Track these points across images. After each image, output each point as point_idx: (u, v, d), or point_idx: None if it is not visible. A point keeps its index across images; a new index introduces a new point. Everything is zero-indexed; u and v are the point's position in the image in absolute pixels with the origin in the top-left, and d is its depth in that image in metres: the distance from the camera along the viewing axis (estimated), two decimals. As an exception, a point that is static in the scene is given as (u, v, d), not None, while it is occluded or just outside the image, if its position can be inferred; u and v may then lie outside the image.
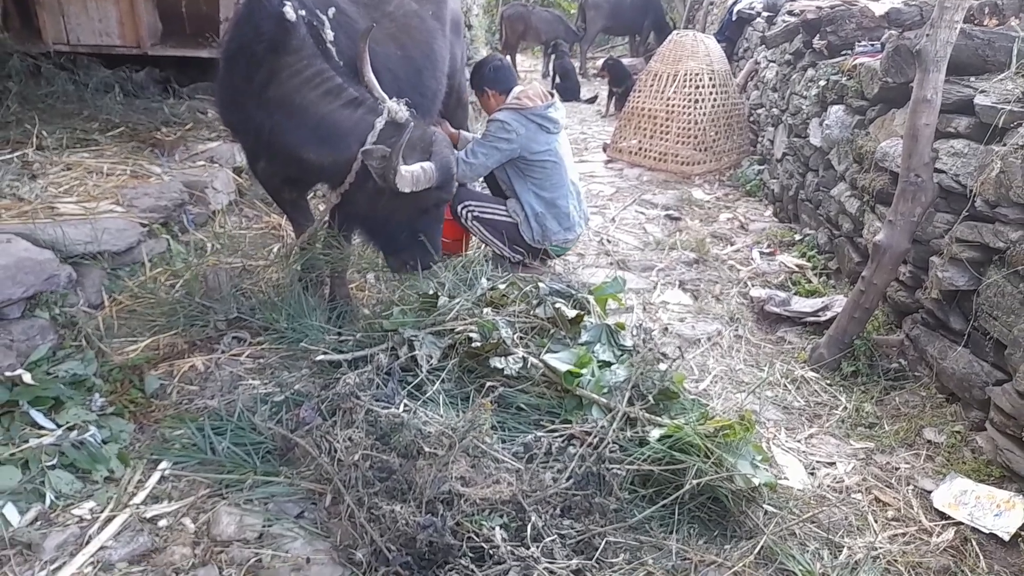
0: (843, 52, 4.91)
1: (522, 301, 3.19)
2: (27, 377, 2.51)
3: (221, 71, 3.18)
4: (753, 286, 4.22)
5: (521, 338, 2.95)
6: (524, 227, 4.05)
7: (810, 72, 5.34)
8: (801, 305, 3.80)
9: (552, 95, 3.99)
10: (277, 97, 2.91)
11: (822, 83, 4.86)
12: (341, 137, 2.87)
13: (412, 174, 2.79)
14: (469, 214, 4.03)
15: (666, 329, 3.72)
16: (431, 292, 3.13)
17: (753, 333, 3.76)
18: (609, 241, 4.95)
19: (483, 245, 4.24)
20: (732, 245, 4.97)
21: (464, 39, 4.49)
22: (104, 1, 5.30)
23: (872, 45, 4.62)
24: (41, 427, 2.42)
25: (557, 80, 11.70)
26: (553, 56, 11.99)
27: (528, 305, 3.10)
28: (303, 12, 2.93)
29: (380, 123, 2.86)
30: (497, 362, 2.70)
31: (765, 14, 7.73)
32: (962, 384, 2.90)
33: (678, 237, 5.01)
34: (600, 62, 10.78)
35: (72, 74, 5.35)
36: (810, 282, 4.26)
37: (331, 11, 3.09)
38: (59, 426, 2.43)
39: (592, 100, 11.42)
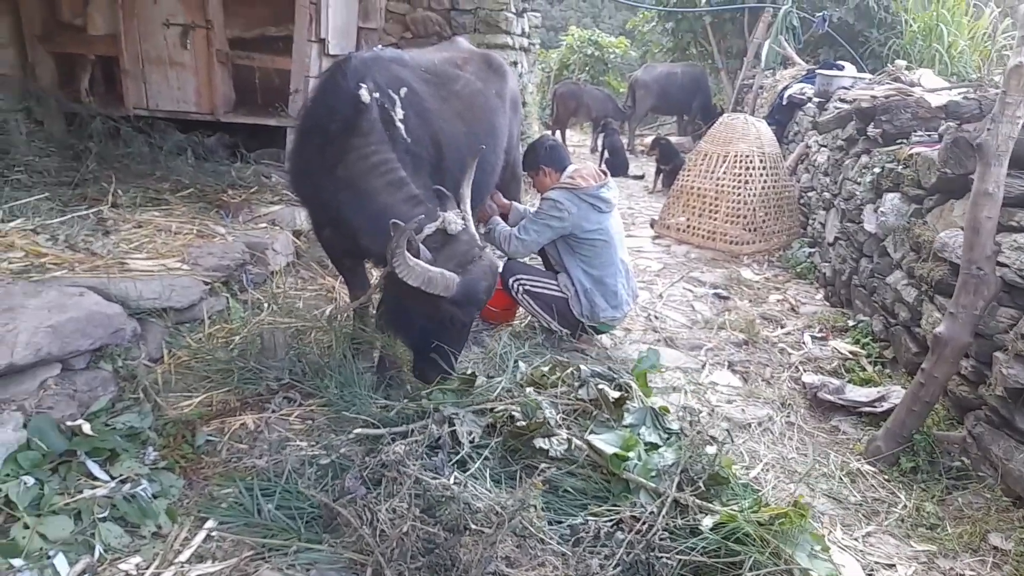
0: (898, 141, 4.92)
1: (564, 383, 3.17)
2: (86, 428, 2.58)
3: (295, 143, 3.35)
4: (805, 371, 4.13)
5: (564, 419, 2.93)
6: (573, 302, 4.07)
7: (864, 159, 5.35)
8: (856, 394, 3.70)
9: (605, 175, 4.07)
10: (345, 177, 3.03)
11: (877, 170, 4.85)
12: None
13: (421, 270, 2.73)
14: (520, 287, 4.07)
15: (714, 411, 3.65)
16: (469, 372, 3.14)
17: (806, 420, 3.66)
18: (656, 317, 4.92)
19: (529, 316, 4.27)
20: (782, 328, 4.89)
21: (520, 115, 4.65)
22: (184, 71, 5.66)
23: (928, 135, 4.63)
24: (96, 478, 2.46)
25: (606, 156, 11.91)
26: (603, 134, 12.24)
27: (570, 387, 3.09)
28: (377, 94, 3.08)
29: (431, 228, 2.91)
30: (541, 443, 2.67)
31: (816, 100, 7.82)
32: (1031, 488, 2.76)
33: (727, 317, 4.96)
34: (649, 140, 10.97)
35: (148, 137, 5.67)
36: (864, 370, 4.15)
37: (403, 91, 3.25)
38: (113, 478, 2.48)
39: (640, 177, 11.57)
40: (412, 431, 2.89)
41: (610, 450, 2.58)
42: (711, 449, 2.59)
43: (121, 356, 3.03)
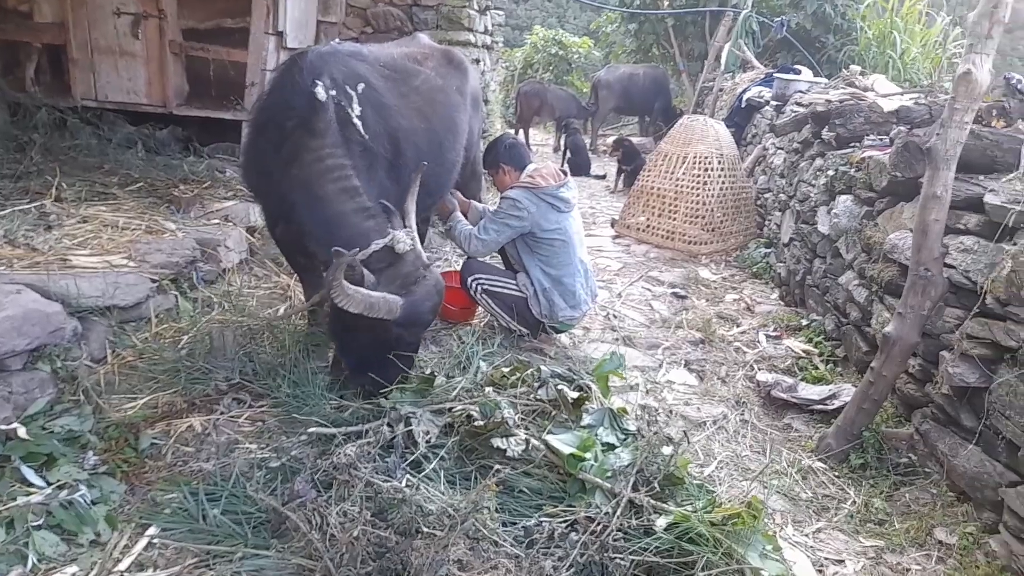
0: (851, 144, 5.02)
1: (524, 383, 3.16)
2: (22, 431, 2.47)
3: (248, 137, 3.26)
4: (759, 370, 4.18)
5: (523, 419, 2.91)
6: (532, 302, 4.06)
7: (818, 162, 5.45)
8: (808, 392, 3.76)
9: (565, 174, 4.06)
10: (299, 177, 2.95)
11: (831, 173, 4.94)
12: (341, 241, 2.82)
13: (361, 297, 2.67)
14: (479, 287, 4.04)
15: (671, 411, 3.67)
16: (428, 373, 3.11)
17: (759, 418, 3.70)
18: (615, 316, 4.94)
19: (488, 316, 4.24)
20: (738, 327, 4.95)
21: (481, 113, 4.62)
22: (135, 62, 5.49)
23: (880, 139, 4.73)
24: (31, 484, 2.36)
25: (568, 155, 11.94)
26: (565, 133, 12.27)
27: (530, 387, 3.07)
28: (333, 91, 3.01)
29: (377, 245, 2.84)
30: (499, 442, 2.65)
31: (774, 103, 7.95)
32: (974, 483, 2.83)
33: (684, 316, 5.00)
34: (612, 140, 11.03)
35: (97, 129, 5.48)
36: (817, 368, 4.22)
37: (360, 86, 3.18)
38: (49, 484, 2.38)
39: (602, 177, 11.62)
40: (366, 432, 2.86)
41: (567, 450, 2.56)
42: (667, 449, 2.59)
43: (60, 356, 2.90)
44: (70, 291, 3.13)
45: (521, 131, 13.94)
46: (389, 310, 2.76)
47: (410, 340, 3.08)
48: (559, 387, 3.01)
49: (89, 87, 5.54)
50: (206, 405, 3.18)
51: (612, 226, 7.43)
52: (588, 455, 2.56)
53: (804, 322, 4.83)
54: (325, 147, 2.95)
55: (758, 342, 4.64)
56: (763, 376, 3.98)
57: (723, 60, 11.82)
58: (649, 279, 5.88)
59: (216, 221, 4.61)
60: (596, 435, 2.76)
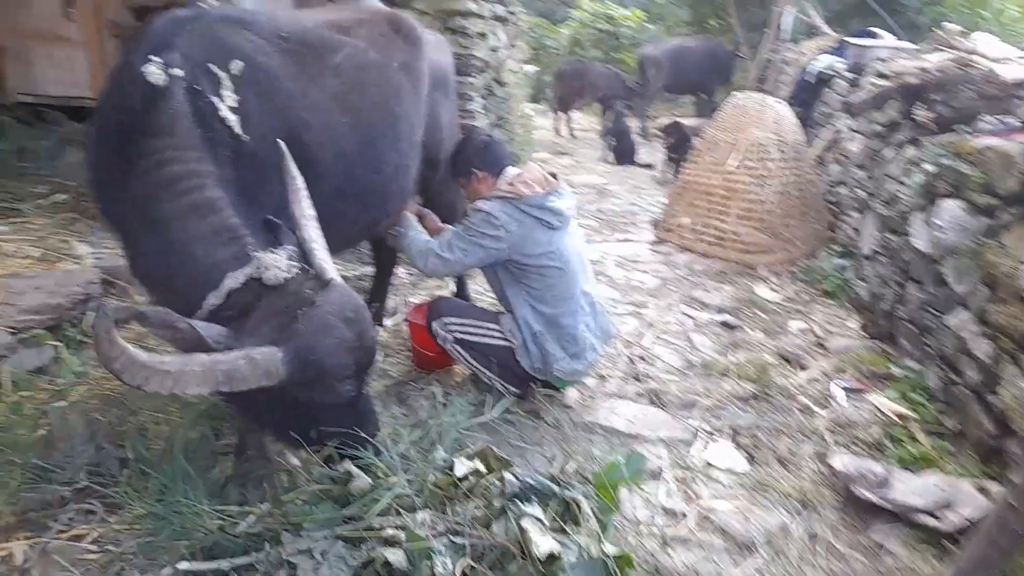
0: (956, 126, 3.78)
1: (485, 491, 2.16)
2: None
3: (89, 142, 2.31)
4: (835, 448, 3.06)
5: (472, 569, 1.91)
6: (521, 352, 3.04)
7: (910, 151, 4.22)
8: (908, 495, 2.62)
9: (555, 178, 3.01)
10: (137, 195, 2.02)
11: (929, 167, 3.73)
12: (181, 280, 1.94)
13: (203, 367, 1.69)
14: (450, 336, 3.05)
15: (707, 518, 2.60)
16: (343, 473, 2.13)
17: (836, 532, 2.59)
18: (643, 358, 3.86)
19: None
20: (804, 370, 3.80)
21: (452, 98, 3.54)
22: (71, 48, 4.66)
23: (1003, 123, 3.49)
24: None
25: (612, 141, 10.77)
26: (611, 115, 11.08)
27: (488, 509, 2.06)
28: (181, 73, 2.04)
29: (231, 282, 1.90)
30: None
31: (848, 75, 6.64)
32: None
33: (732, 357, 3.88)
34: (663, 122, 9.81)
35: (31, 128, 4.70)
36: (916, 441, 3.07)
37: (235, 65, 2.20)
38: None
39: (649, 165, 10.42)
40: (255, 565, 1.97)
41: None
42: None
43: None
44: None
45: (563, 115, 12.83)
46: (266, 371, 1.77)
47: (328, 401, 2.01)
48: (522, 521, 1.98)
49: (23, 79, 4.75)
50: (41, 520, 2.29)
51: (655, 227, 6.30)
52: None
53: (896, 370, 3.64)
54: (167, 148, 1.99)
55: (832, 398, 3.49)
56: (840, 461, 2.85)
57: (785, 27, 10.38)
58: (691, 301, 4.75)
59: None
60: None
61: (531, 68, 16.93)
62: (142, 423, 2.66)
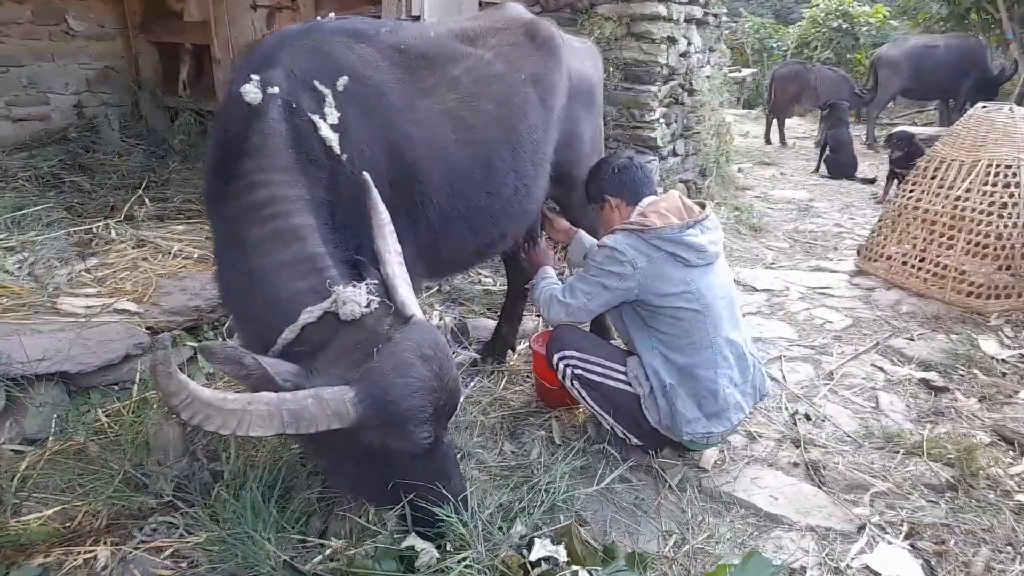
0: None
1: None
2: None
3: (207, 159, 2.36)
4: (1056, 577, 2.29)
5: None
6: (647, 403, 2.65)
7: None
8: None
9: (702, 207, 2.56)
10: (227, 217, 2.02)
11: None
12: (255, 311, 1.88)
13: (268, 407, 1.59)
14: (570, 371, 2.74)
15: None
16: (408, 545, 1.94)
17: None
18: (809, 417, 3.25)
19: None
20: (1029, 459, 2.96)
21: (596, 110, 3.21)
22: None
23: None
24: None
25: (828, 152, 9.65)
26: (826, 123, 9.93)
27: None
28: (276, 90, 1.98)
29: (307, 316, 1.78)
30: None
31: None
32: None
33: (930, 429, 3.13)
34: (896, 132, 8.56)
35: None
36: None
37: (342, 81, 2.10)
38: None
39: (871, 180, 9.19)
40: None
41: None
42: None
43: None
44: (12, 352, 2.50)
45: (775, 122, 11.81)
46: (336, 412, 1.65)
47: (403, 448, 1.82)
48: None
49: (231, 88, 5.20)
50: (128, 527, 2.36)
51: (857, 254, 5.43)
52: None
53: None
54: (257, 171, 1.94)
55: (1064, 504, 2.66)
56: (1060, 601, 2.11)
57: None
58: (888, 350, 3.96)
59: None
60: None
61: (747, 71, 15.86)
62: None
